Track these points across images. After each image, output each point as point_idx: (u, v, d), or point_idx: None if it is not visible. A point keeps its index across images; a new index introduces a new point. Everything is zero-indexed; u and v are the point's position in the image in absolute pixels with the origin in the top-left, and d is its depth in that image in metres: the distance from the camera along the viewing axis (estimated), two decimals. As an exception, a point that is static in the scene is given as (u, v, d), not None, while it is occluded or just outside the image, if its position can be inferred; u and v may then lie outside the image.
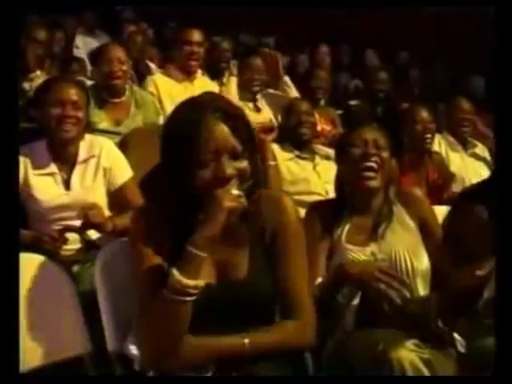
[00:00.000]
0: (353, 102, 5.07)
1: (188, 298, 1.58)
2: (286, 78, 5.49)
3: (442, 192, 3.78)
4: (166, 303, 1.58)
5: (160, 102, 4.12)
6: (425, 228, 2.29)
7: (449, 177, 3.94)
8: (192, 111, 1.65)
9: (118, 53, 3.73)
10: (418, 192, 2.40)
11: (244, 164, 1.64)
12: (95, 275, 1.94)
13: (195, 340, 1.64)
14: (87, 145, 2.78)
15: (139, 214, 1.75)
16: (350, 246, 2.22)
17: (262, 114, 4.41)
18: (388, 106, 4.90)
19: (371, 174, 2.25)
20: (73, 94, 2.71)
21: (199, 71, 4.45)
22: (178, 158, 1.62)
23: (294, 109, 3.73)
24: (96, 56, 3.91)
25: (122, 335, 1.89)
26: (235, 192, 1.61)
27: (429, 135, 3.76)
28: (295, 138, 3.69)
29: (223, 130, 1.61)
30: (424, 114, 3.79)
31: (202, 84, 4.30)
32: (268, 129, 3.47)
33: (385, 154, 2.29)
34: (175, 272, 1.57)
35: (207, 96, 1.75)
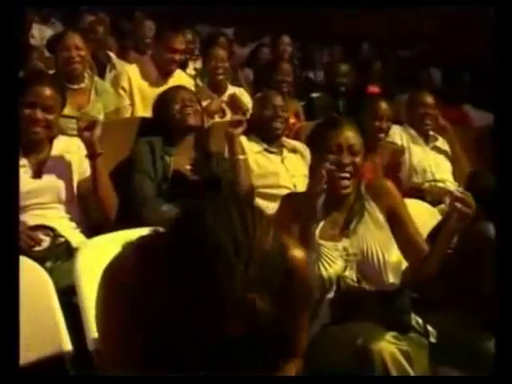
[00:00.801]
0: (315, 95, 5.08)
1: None
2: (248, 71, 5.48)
3: (396, 173, 3.84)
4: None
5: (131, 97, 4.11)
6: (394, 218, 2.31)
7: (399, 154, 3.98)
8: None
9: (76, 39, 3.81)
10: (388, 183, 2.42)
11: None
12: (75, 273, 1.92)
13: None
14: (62, 143, 2.78)
15: None
16: (322, 242, 2.25)
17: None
18: (350, 97, 4.91)
19: (345, 182, 2.27)
20: (46, 96, 2.66)
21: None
22: None
23: (269, 102, 3.69)
24: (54, 44, 3.97)
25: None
26: None
27: (382, 135, 3.79)
28: (266, 131, 3.66)
29: None
30: (385, 110, 3.81)
31: (177, 81, 4.15)
32: (236, 122, 3.44)
33: (358, 159, 2.30)
34: None
35: None
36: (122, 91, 4.09)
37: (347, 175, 2.26)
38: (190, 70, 5.15)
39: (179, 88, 3.45)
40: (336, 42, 7.14)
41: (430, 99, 4.20)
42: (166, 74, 4.22)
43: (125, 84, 4.13)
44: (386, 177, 3.73)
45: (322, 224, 2.27)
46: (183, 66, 4.91)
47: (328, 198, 2.30)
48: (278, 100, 3.73)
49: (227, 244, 1.28)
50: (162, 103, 3.34)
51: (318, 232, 2.26)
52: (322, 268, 2.20)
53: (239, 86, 4.96)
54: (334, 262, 2.20)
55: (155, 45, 4.41)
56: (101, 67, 4.93)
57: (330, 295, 2.18)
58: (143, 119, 3.60)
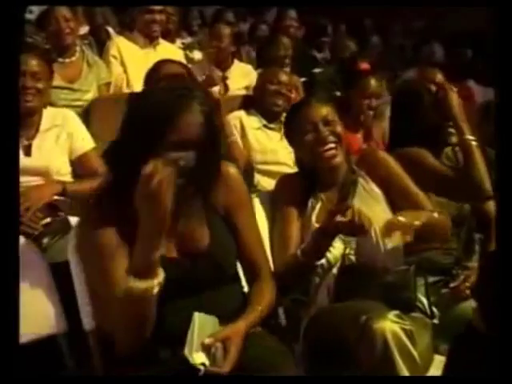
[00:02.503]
0: (317, 70, 5.00)
1: (150, 296, 1.57)
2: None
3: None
4: (129, 305, 1.57)
5: (123, 65, 4.10)
6: (391, 189, 2.23)
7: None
8: (178, 97, 1.67)
9: (63, 11, 3.86)
10: (379, 153, 2.34)
11: (193, 154, 1.66)
12: (69, 254, 1.87)
13: None
14: (50, 115, 2.74)
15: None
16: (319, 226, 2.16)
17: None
18: (345, 71, 4.84)
19: (332, 152, 2.19)
20: (33, 64, 2.66)
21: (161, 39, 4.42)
22: (142, 136, 1.63)
23: (273, 77, 3.65)
24: (42, 19, 3.99)
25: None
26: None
27: (371, 112, 3.72)
28: (267, 107, 3.62)
29: (197, 122, 1.65)
30: (375, 88, 3.74)
31: (165, 50, 4.27)
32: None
33: (338, 128, 2.23)
34: (134, 281, 1.55)
35: (187, 84, 1.95)
36: (112, 59, 4.11)
37: (331, 145, 2.20)
38: (178, 44, 5.09)
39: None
40: (339, 18, 7.04)
41: (439, 76, 4.11)
42: (151, 38, 4.26)
43: (115, 52, 4.14)
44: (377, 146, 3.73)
45: (319, 206, 2.20)
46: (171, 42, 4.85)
47: (320, 175, 2.24)
48: (283, 76, 3.71)
49: None
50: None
51: (314, 216, 2.18)
52: None
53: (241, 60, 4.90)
54: (332, 245, 2.10)
55: (138, 12, 4.41)
56: (100, 44, 4.87)
57: (330, 277, 2.12)
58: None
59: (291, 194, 2.23)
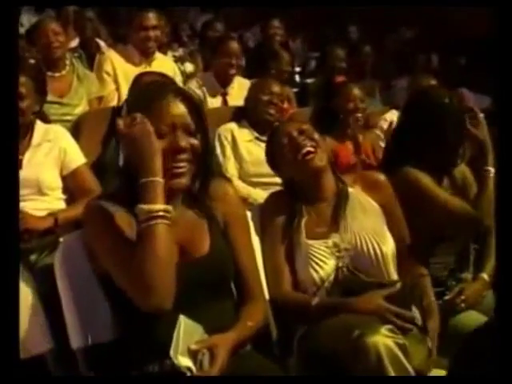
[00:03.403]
0: (309, 80, 5.01)
1: (160, 221, 1.60)
2: None
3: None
4: (142, 238, 1.60)
5: (116, 82, 4.08)
6: (387, 215, 2.23)
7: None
8: (154, 89, 1.81)
9: (52, 25, 3.91)
10: (381, 177, 2.31)
11: (197, 141, 1.75)
12: (55, 270, 1.85)
13: None
14: (42, 131, 2.72)
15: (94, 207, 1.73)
16: (310, 242, 2.16)
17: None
18: (324, 81, 4.83)
19: (311, 155, 2.19)
20: (18, 84, 2.58)
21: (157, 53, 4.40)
22: None
23: (265, 88, 3.65)
24: (31, 33, 4.01)
25: (86, 331, 1.82)
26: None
27: (359, 114, 3.71)
28: (259, 118, 3.61)
29: (181, 107, 1.74)
30: (356, 91, 3.74)
31: (161, 65, 4.20)
32: None
33: (315, 135, 2.24)
34: (139, 206, 1.61)
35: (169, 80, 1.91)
36: (106, 75, 4.08)
37: (309, 149, 2.19)
38: (170, 57, 5.08)
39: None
40: (326, 25, 7.05)
41: (433, 83, 4.10)
42: (146, 55, 4.23)
43: (108, 68, 4.11)
44: (367, 157, 3.71)
45: (305, 220, 2.19)
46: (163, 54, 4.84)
47: (305, 187, 2.23)
48: (275, 87, 3.70)
49: None
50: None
51: (303, 231, 2.17)
52: (311, 270, 2.12)
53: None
54: (324, 262, 2.12)
55: (130, 28, 4.39)
56: (90, 56, 4.86)
57: (322, 292, 2.11)
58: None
59: (278, 213, 2.21)
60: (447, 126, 2.42)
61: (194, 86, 4.14)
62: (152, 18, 4.24)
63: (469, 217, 2.35)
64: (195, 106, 1.78)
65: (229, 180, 3.20)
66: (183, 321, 1.66)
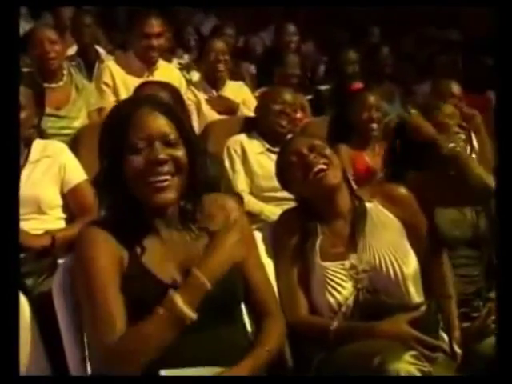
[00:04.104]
0: (322, 87, 5.03)
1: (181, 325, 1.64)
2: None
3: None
4: (157, 324, 1.63)
5: (116, 93, 4.09)
6: (410, 231, 2.23)
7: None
8: (127, 104, 1.85)
9: (48, 33, 3.83)
10: (402, 190, 2.29)
11: (180, 152, 1.75)
12: (54, 296, 1.87)
13: None
14: (40, 146, 2.76)
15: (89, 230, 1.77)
16: (326, 264, 2.16)
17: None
18: (338, 87, 4.85)
19: (322, 173, 2.18)
20: None
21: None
22: (111, 148, 1.74)
23: (277, 97, 3.68)
24: (26, 40, 3.94)
25: (85, 359, 1.84)
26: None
27: (374, 125, 3.73)
28: (270, 129, 3.64)
29: (156, 117, 1.74)
30: (371, 100, 3.76)
31: (164, 75, 4.18)
32: None
33: (327, 151, 2.24)
34: (178, 299, 1.63)
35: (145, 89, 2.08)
36: (105, 87, 4.08)
37: (321, 166, 2.19)
38: (175, 64, 5.12)
39: None
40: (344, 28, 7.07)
41: (456, 87, 4.11)
42: (149, 64, 4.21)
43: (107, 79, 4.12)
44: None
45: (320, 240, 2.18)
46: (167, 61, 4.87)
47: (319, 205, 2.23)
48: (287, 95, 3.73)
49: None
50: None
51: (318, 253, 2.17)
52: (328, 295, 2.12)
53: (242, 79, 4.93)
54: (342, 286, 2.12)
55: (131, 35, 4.38)
56: (89, 65, 4.89)
57: (340, 318, 2.12)
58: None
59: (291, 233, 2.21)
60: None
61: (191, 94, 4.18)
62: (155, 25, 4.17)
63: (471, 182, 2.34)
64: (176, 117, 1.78)
65: (236, 194, 3.21)
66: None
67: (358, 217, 2.21)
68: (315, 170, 2.19)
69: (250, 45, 6.45)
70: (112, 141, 1.74)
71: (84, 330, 1.80)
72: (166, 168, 1.71)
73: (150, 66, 4.23)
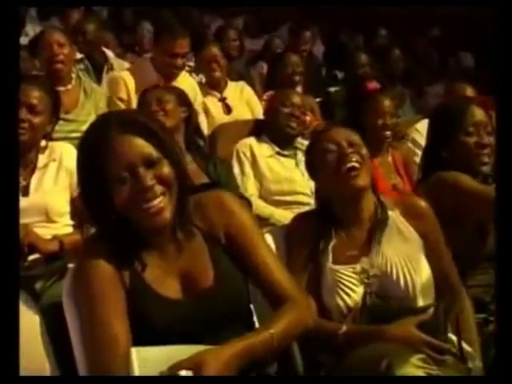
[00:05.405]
0: (333, 89, 5.05)
1: None
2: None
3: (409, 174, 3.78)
4: None
5: (130, 106, 3.98)
6: (428, 245, 2.22)
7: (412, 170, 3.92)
8: (96, 131, 1.72)
9: (56, 36, 3.84)
10: (423, 204, 2.28)
11: (165, 168, 1.68)
12: (63, 298, 1.89)
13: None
14: (47, 150, 2.78)
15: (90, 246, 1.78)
16: (337, 267, 2.16)
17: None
18: (351, 90, 4.85)
19: (354, 172, 2.16)
20: (33, 97, 2.68)
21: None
22: (93, 182, 1.67)
23: (285, 100, 3.70)
24: (35, 44, 3.98)
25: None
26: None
27: (388, 132, 3.73)
28: (280, 132, 3.66)
29: (130, 141, 1.66)
30: (386, 105, 3.74)
31: (180, 84, 4.04)
32: None
33: (363, 151, 2.22)
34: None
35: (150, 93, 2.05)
36: (119, 102, 3.98)
37: (355, 164, 2.16)
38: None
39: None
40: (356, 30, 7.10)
41: (470, 91, 4.10)
42: (167, 78, 4.08)
43: (123, 95, 3.99)
44: (399, 177, 3.71)
45: (333, 243, 2.18)
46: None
47: (342, 209, 2.22)
48: (296, 98, 3.75)
49: None
50: None
51: (330, 256, 2.17)
52: (338, 298, 2.12)
53: (251, 80, 4.96)
54: (352, 289, 2.12)
55: (154, 49, 4.28)
56: (97, 68, 4.93)
57: (349, 321, 2.12)
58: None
59: (304, 235, 2.21)
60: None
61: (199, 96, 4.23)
62: (185, 45, 4.05)
63: None
64: (149, 132, 1.69)
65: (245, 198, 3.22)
66: (135, 352, 1.59)
67: (378, 223, 2.20)
68: (349, 165, 2.16)
69: (266, 46, 6.45)
70: (92, 175, 1.67)
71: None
72: (155, 191, 1.66)
73: (170, 80, 4.08)
